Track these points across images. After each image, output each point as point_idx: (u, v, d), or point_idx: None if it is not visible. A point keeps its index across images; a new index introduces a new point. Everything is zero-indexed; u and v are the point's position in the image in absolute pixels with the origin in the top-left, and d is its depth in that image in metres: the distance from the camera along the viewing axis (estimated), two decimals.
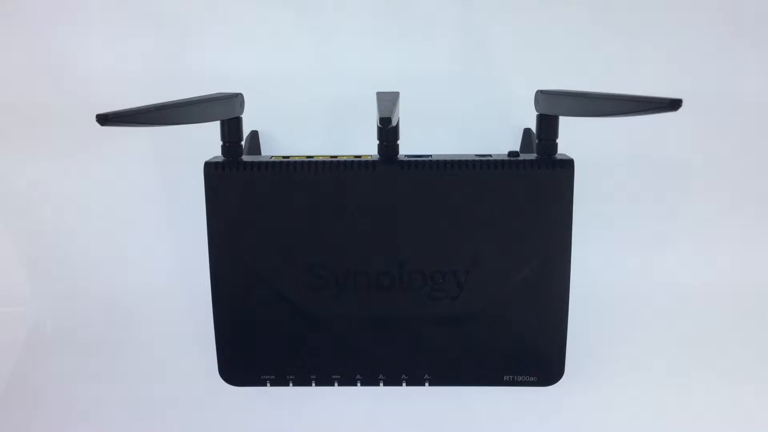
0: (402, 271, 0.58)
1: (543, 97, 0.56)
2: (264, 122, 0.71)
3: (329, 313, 0.58)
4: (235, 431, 0.73)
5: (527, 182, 0.56)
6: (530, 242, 0.57)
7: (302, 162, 0.56)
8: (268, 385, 0.61)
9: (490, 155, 0.57)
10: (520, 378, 0.60)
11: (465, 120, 0.71)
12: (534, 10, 0.69)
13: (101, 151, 0.71)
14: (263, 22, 0.70)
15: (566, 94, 0.53)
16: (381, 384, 0.60)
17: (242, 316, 0.59)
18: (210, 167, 0.56)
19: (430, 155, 0.57)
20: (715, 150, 0.70)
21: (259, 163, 0.56)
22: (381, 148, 0.56)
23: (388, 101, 0.51)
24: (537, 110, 0.57)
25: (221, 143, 0.57)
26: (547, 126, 0.56)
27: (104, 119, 0.41)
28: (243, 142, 0.58)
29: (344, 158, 0.56)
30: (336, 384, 0.61)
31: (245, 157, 0.58)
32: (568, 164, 0.55)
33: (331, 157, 0.57)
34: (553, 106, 0.55)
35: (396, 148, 0.56)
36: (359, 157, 0.57)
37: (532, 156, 0.57)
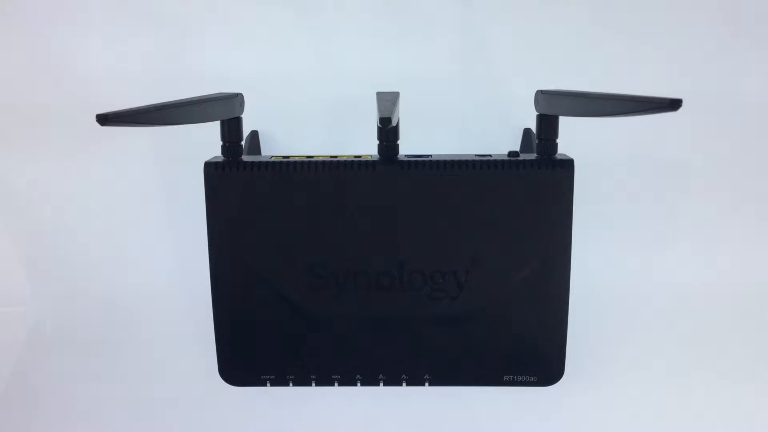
0: (402, 271, 0.58)
1: (543, 97, 0.56)
2: (264, 122, 0.71)
3: (329, 313, 0.58)
4: (235, 431, 0.73)
5: (527, 182, 0.56)
6: (530, 242, 0.57)
7: (302, 162, 0.56)
8: (268, 385, 0.61)
9: (490, 155, 0.57)
10: (520, 378, 0.60)
11: (465, 120, 0.71)
12: (534, 10, 0.69)
13: (101, 151, 0.71)
14: (263, 22, 0.70)
15: (566, 94, 0.53)
16: (381, 384, 0.60)
17: (242, 316, 0.59)
18: (210, 167, 0.56)
19: (430, 155, 0.57)
20: (715, 150, 0.70)
21: (259, 163, 0.56)
22: (381, 148, 0.56)
23: (388, 101, 0.51)
24: (537, 110, 0.57)
25: (221, 143, 0.57)
26: (547, 126, 0.56)
27: (104, 119, 0.41)
28: (243, 142, 0.58)
29: (344, 158, 0.56)
30: (336, 384, 0.61)
31: (245, 157, 0.58)
32: (568, 164, 0.55)
33: (331, 157, 0.57)
34: (553, 106, 0.55)
35: (396, 148, 0.56)
36: (359, 157, 0.57)
37: (532, 156, 0.57)
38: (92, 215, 0.72)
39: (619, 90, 0.47)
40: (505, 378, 0.60)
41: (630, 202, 0.71)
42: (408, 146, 0.57)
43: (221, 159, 0.57)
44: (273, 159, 0.57)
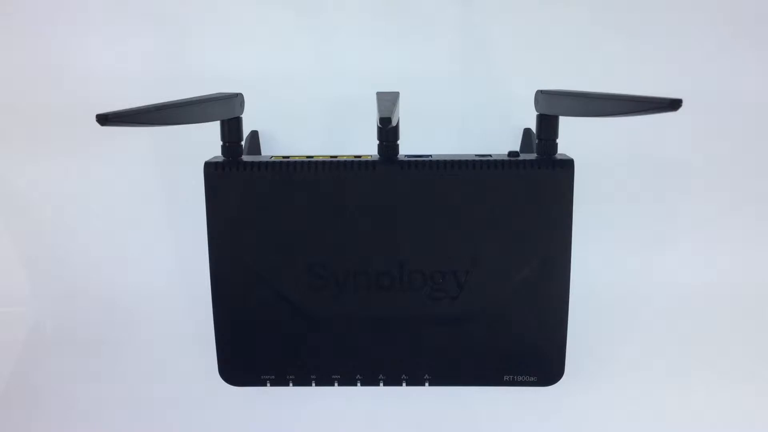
0: (402, 271, 0.57)
1: (543, 97, 0.56)
2: (264, 122, 0.71)
3: (329, 313, 0.58)
4: (235, 431, 0.73)
5: (527, 182, 0.56)
6: (530, 242, 0.57)
7: (302, 162, 0.56)
8: (268, 385, 0.61)
9: (490, 155, 0.57)
10: (520, 378, 0.60)
11: (465, 120, 0.71)
12: (534, 10, 0.69)
13: (101, 151, 0.71)
14: (263, 22, 0.70)
15: (566, 94, 0.53)
16: (381, 384, 0.60)
17: (242, 316, 0.59)
18: (210, 167, 0.56)
19: (430, 155, 0.57)
20: (715, 150, 0.70)
21: (259, 163, 0.56)
22: (381, 148, 0.56)
23: (388, 101, 0.51)
24: (537, 110, 0.57)
25: (221, 143, 0.57)
26: (547, 126, 0.56)
27: (104, 119, 0.41)
28: (243, 142, 0.58)
29: (344, 158, 0.56)
30: (336, 384, 0.61)
31: (245, 157, 0.58)
32: (568, 164, 0.55)
33: (331, 157, 0.57)
34: (553, 106, 0.55)
35: (396, 148, 0.56)
36: (359, 157, 0.57)
37: (532, 156, 0.57)
38: (92, 215, 0.72)
39: (619, 90, 0.47)
40: (505, 378, 0.60)
41: (630, 202, 0.71)
42: (408, 146, 0.57)
43: (221, 159, 0.57)
44: (273, 159, 0.57)
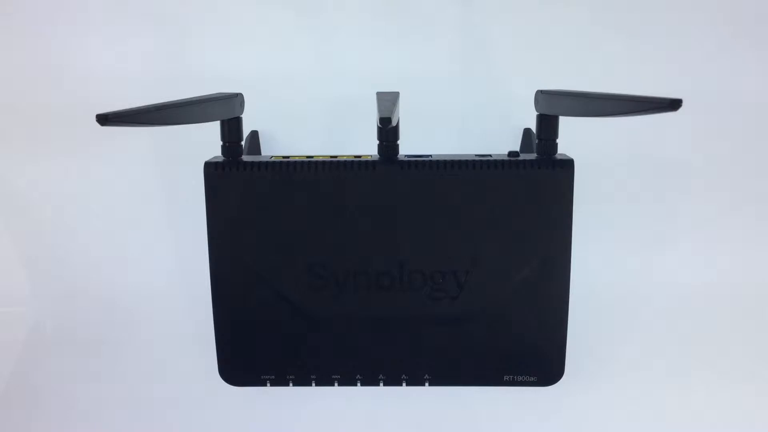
0: (402, 271, 0.57)
1: (543, 97, 0.56)
2: (264, 122, 0.71)
3: (329, 313, 0.58)
4: (235, 431, 0.73)
5: (527, 182, 0.56)
6: (530, 242, 0.57)
7: (302, 162, 0.56)
8: (268, 385, 0.61)
9: (490, 155, 0.57)
10: (520, 378, 0.60)
11: (465, 120, 0.71)
12: (534, 10, 0.69)
13: (101, 151, 0.71)
14: (263, 22, 0.70)
15: (566, 94, 0.53)
16: (381, 384, 0.60)
17: (242, 316, 0.59)
18: (210, 167, 0.56)
19: (430, 155, 0.57)
20: (715, 150, 0.70)
21: (259, 163, 0.56)
22: (381, 148, 0.56)
23: (388, 101, 0.51)
24: (537, 110, 0.57)
25: (221, 143, 0.57)
26: (547, 126, 0.56)
27: (104, 119, 0.41)
28: (243, 142, 0.58)
29: (344, 158, 0.56)
30: (336, 384, 0.61)
31: (245, 157, 0.58)
32: (568, 164, 0.55)
33: (331, 157, 0.57)
34: (553, 106, 0.55)
35: (396, 148, 0.56)
36: (359, 157, 0.57)
37: (532, 156, 0.57)
38: (92, 215, 0.72)
39: (619, 90, 0.47)
40: (505, 378, 0.60)
41: (630, 202, 0.71)
42: (408, 146, 0.57)
43: (221, 159, 0.57)
44: (273, 159, 0.57)
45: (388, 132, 0.56)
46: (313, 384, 0.61)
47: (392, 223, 0.57)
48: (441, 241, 0.57)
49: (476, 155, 0.57)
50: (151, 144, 0.71)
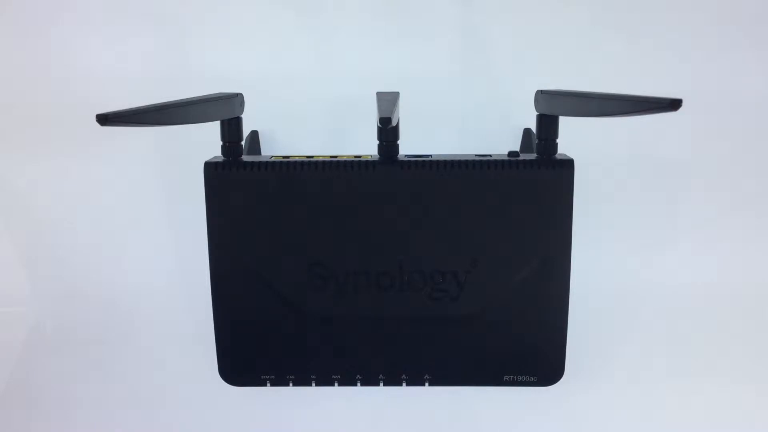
0: (402, 271, 0.57)
1: (543, 97, 0.56)
2: (264, 122, 0.71)
3: (329, 313, 0.58)
4: (235, 431, 0.73)
5: (527, 182, 0.56)
6: (530, 242, 0.57)
7: (302, 162, 0.56)
8: (268, 385, 0.61)
9: (490, 155, 0.57)
10: (520, 378, 0.60)
11: (465, 120, 0.71)
12: (534, 10, 0.69)
13: (101, 151, 0.71)
14: (263, 22, 0.70)
15: (566, 94, 0.53)
16: (381, 384, 0.60)
17: (242, 316, 0.59)
18: (210, 167, 0.56)
19: (430, 155, 0.57)
20: (715, 150, 0.70)
21: (259, 163, 0.56)
22: (381, 148, 0.56)
23: (388, 101, 0.51)
24: (537, 110, 0.57)
25: (221, 143, 0.57)
26: (547, 126, 0.56)
27: (104, 119, 0.41)
28: (243, 142, 0.58)
29: (344, 158, 0.56)
30: (336, 384, 0.61)
31: (245, 157, 0.58)
32: (568, 164, 0.55)
33: (331, 157, 0.57)
34: (553, 106, 0.55)
35: (396, 148, 0.56)
36: (359, 157, 0.57)
37: (532, 156, 0.57)
38: (92, 215, 0.72)
39: (619, 90, 0.47)
40: (505, 378, 0.60)
41: (630, 202, 0.71)
42: (408, 146, 0.57)
43: (221, 159, 0.57)
44: (273, 159, 0.57)
45: (388, 132, 0.56)
46: (313, 384, 0.61)
47: (392, 223, 0.57)
48: (441, 241, 0.57)
49: (476, 155, 0.57)
50: (151, 144, 0.71)
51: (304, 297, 0.58)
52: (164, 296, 0.73)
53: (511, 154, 0.57)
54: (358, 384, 0.60)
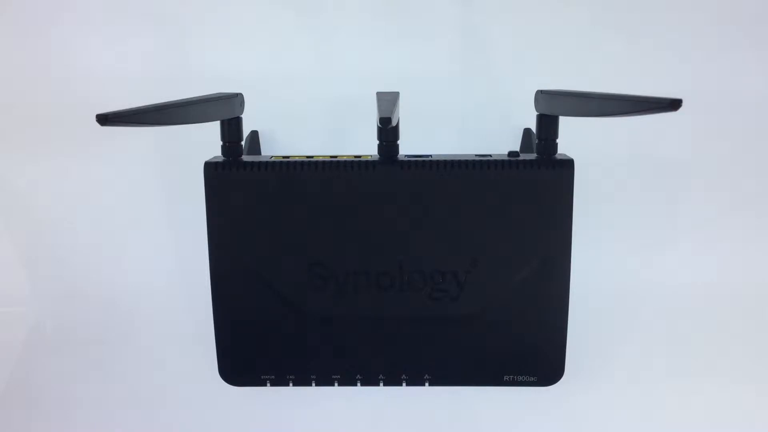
0: (402, 271, 0.57)
1: (543, 97, 0.56)
2: (264, 122, 0.71)
3: (329, 313, 0.58)
4: (235, 431, 0.73)
5: (527, 182, 0.56)
6: (530, 242, 0.57)
7: (302, 162, 0.56)
8: (268, 385, 0.61)
9: (490, 155, 0.57)
10: (520, 378, 0.60)
11: (465, 120, 0.71)
12: (534, 10, 0.69)
13: (101, 151, 0.71)
14: (263, 22, 0.70)
15: (566, 94, 0.53)
16: (381, 384, 0.60)
17: (242, 316, 0.59)
18: (210, 167, 0.56)
19: (430, 155, 0.57)
20: (715, 150, 0.70)
21: (259, 163, 0.56)
22: (381, 148, 0.56)
23: (388, 101, 0.51)
24: (537, 110, 0.57)
25: (221, 143, 0.57)
26: (547, 126, 0.56)
27: (104, 119, 0.41)
28: (243, 142, 0.58)
29: (344, 158, 0.56)
30: (336, 384, 0.61)
31: (245, 157, 0.58)
32: (568, 164, 0.55)
33: (331, 157, 0.57)
34: (553, 106, 0.55)
35: (396, 148, 0.56)
36: (359, 157, 0.57)
37: (532, 156, 0.57)
38: (92, 215, 0.72)
39: (619, 90, 0.47)
40: (505, 378, 0.60)
41: (630, 202, 0.71)
42: (408, 146, 0.57)
43: (221, 159, 0.57)
44: (273, 159, 0.57)
45: (388, 132, 0.56)
46: (313, 384, 0.61)
47: (392, 223, 0.57)
48: (441, 241, 0.57)
49: (476, 155, 0.57)
50: (151, 144, 0.71)
51: (304, 297, 0.58)
52: (164, 296, 0.73)
53: (511, 154, 0.57)
54: (358, 384, 0.60)
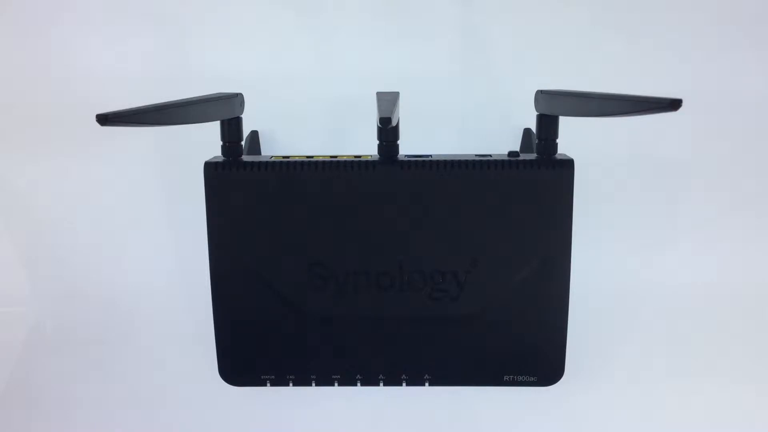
0: (402, 271, 0.57)
1: (543, 97, 0.56)
2: (264, 122, 0.71)
3: (329, 313, 0.58)
4: (235, 431, 0.73)
5: (527, 182, 0.56)
6: (530, 242, 0.57)
7: (302, 162, 0.56)
8: (268, 385, 0.61)
9: (490, 155, 0.57)
10: (520, 378, 0.60)
11: (465, 120, 0.71)
12: (534, 10, 0.69)
13: (101, 151, 0.71)
14: (263, 22, 0.70)
15: (566, 94, 0.53)
16: (381, 384, 0.60)
17: (242, 316, 0.59)
18: (210, 167, 0.56)
19: (430, 155, 0.57)
20: (715, 150, 0.70)
21: (259, 163, 0.56)
22: (381, 148, 0.56)
23: (388, 101, 0.51)
24: (537, 110, 0.57)
25: (221, 143, 0.57)
26: (547, 126, 0.56)
27: (104, 119, 0.41)
28: (243, 142, 0.58)
29: (344, 158, 0.56)
30: (336, 384, 0.61)
31: (245, 157, 0.58)
32: (568, 164, 0.55)
33: (331, 157, 0.57)
34: (553, 106, 0.55)
35: (396, 148, 0.56)
36: (359, 157, 0.57)
37: (532, 156, 0.57)
38: (92, 215, 0.72)
39: (619, 90, 0.47)
40: (505, 378, 0.60)
41: (630, 202, 0.71)
42: (408, 146, 0.57)
43: (221, 159, 0.57)
44: (273, 159, 0.57)
45: (388, 132, 0.56)
46: (313, 384, 0.61)
47: (392, 223, 0.57)
48: (441, 241, 0.57)
49: (476, 155, 0.57)
50: (151, 144, 0.71)
51: (304, 297, 0.58)
52: (164, 296, 0.73)
53: (511, 154, 0.57)
54: (358, 384, 0.60)
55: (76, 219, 0.72)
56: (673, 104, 0.40)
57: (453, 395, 0.70)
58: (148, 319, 0.73)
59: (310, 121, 0.71)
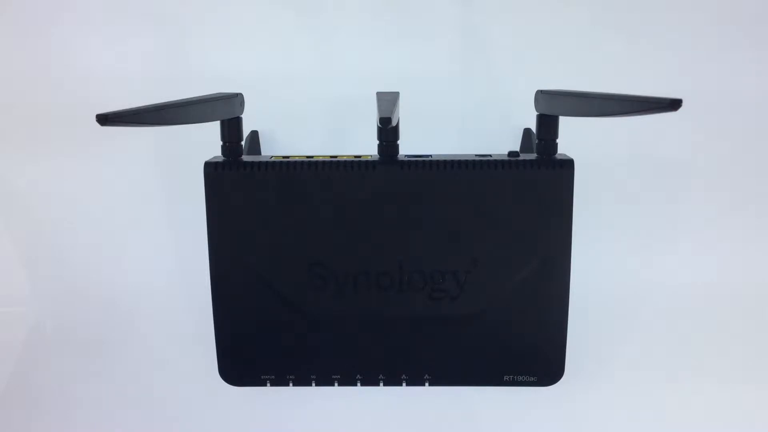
0: (402, 271, 0.58)
1: (543, 97, 0.56)
2: (264, 122, 0.71)
3: (329, 313, 0.58)
4: (235, 431, 0.73)
5: (527, 182, 0.56)
6: (530, 242, 0.57)
7: (302, 162, 0.56)
8: (268, 385, 0.61)
9: (490, 155, 0.57)
10: (520, 378, 0.60)
11: (465, 120, 0.71)
12: (534, 10, 0.69)
13: (101, 151, 0.71)
14: (263, 22, 0.70)
15: (566, 94, 0.53)
16: (381, 384, 0.60)
17: (242, 316, 0.59)
18: (210, 167, 0.56)
19: (430, 155, 0.57)
20: (715, 150, 0.70)
21: (259, 163, 0.56)
22: (381, 148, 0.56)
23: (388, 101, 0.51)
24: (537, 110, 0.57)
25: (221, 143, 0.57)
26: (547, 126, 0.56)
27: (104, 119, 0.41)
28: (243, 142, 0.58)
29: (344, 158, 0.56)
30: (336, 384, 0.61)
31: (245, 157, 0.58)
32: (568, 164, 0.55)
33: (331, 157, 0.57)
34: (553, 106, 0.55)
35: (396, 148, 0.56)
36: (359, 157, 0.57)
37: (532, 156, 0.57)
38: (92, 215, 0.72)
39: (619, 90, 0.47)
40: (505, 378, 0.60)
41: (630, 202, 0.71)
42: (408, 146, 0.57)
43: (221, 159, 0.57)
44: (273, 159, 0.57)
45: (388, 132, 0.56)
46: (313, 384, 0.61)
47: (392, 223, 0.57)
48: (441, 241, 0.57)
49: (476, 155, 0.57)
50: (151, 144, 0.71)
51: (304, 297, 0.58)
52: (164, 296, 0.73)
53: (511, 154, 0.57)
54: (358, 384, 0.60)
55: (76, 219, 0.72)
56: (673, 104, 0.40)
57: (453, 395, 0.70)
58: (148, 319, 0.73)
59: (310, 121, 0.71)
